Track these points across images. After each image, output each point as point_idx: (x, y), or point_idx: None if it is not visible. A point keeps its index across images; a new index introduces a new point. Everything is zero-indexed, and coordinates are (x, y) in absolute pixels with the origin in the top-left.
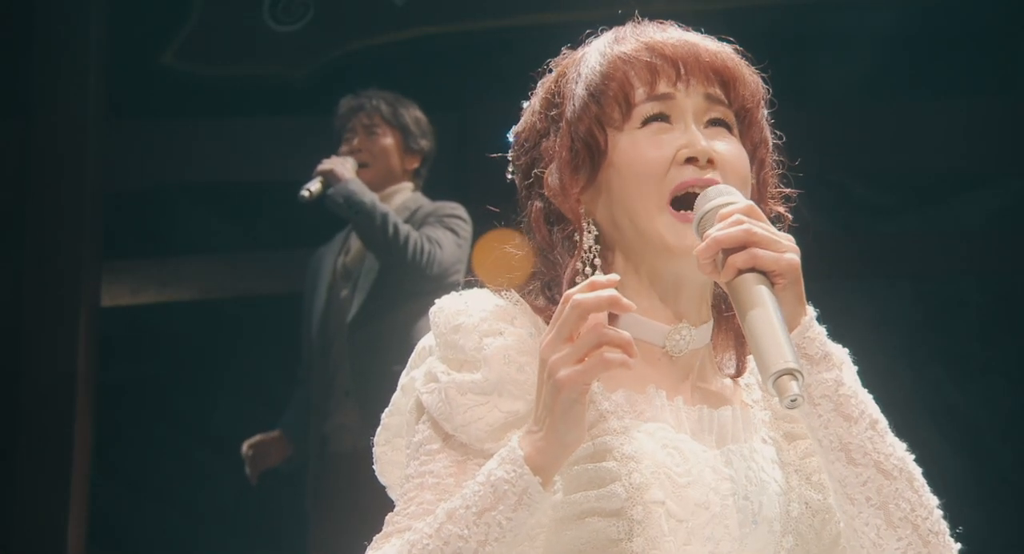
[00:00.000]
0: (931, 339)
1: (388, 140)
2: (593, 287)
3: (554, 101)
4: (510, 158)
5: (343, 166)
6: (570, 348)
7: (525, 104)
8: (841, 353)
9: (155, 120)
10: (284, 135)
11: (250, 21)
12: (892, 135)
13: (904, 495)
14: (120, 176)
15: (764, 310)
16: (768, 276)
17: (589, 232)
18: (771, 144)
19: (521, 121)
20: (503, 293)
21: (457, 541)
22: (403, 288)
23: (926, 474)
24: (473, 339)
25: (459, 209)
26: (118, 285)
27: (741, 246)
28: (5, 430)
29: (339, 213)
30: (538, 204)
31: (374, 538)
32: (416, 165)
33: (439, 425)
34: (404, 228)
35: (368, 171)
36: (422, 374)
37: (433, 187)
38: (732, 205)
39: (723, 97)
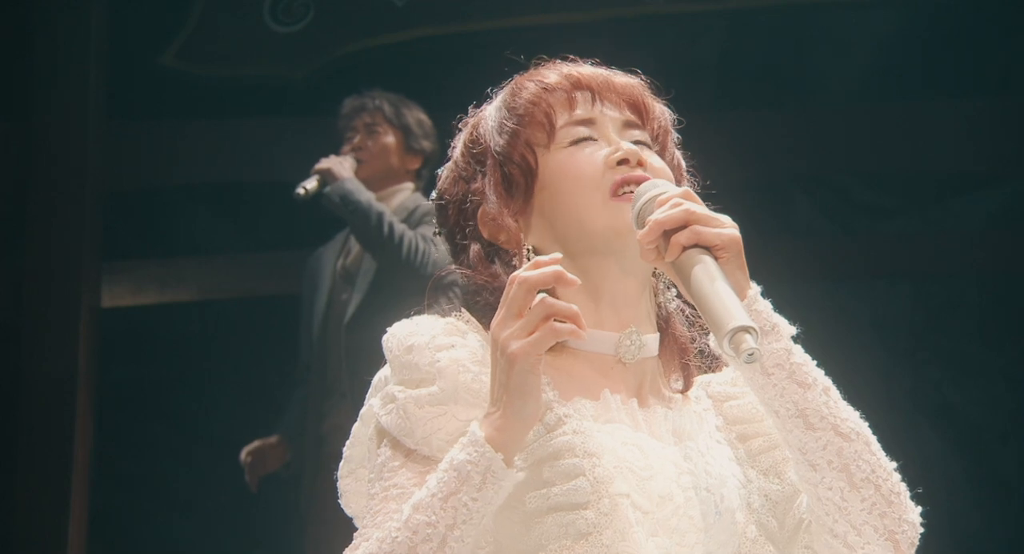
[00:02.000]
0: (931, 340)
1: (389, 139)
2: (537, 266)
3: (476, 143)
4: (436, 222)
5: (341, 165)
6: (520, 322)
7: (440, 171)
8: (787, 326)
9: (155, 121)
10: (285, 136)
11: (250, 22)
12: (893, 136)
13: (863, 457)
14: (120, 177)
15: (711, 278)
16: (711, 251)
17: (528, 259)
18: (684, 168)
19: (442, 179)
20: (454, 314)
21: (425, 528)
22: (400, 288)
23: (926, 475)
24: (426, 355)
25: None
26: (118, 286)
27: (682, 225)
28: (5, 431)
29: (335, 212)
30: (476, 247)
31: (344, 552)
32: (417, 166)
33: (400, 443)
34: (399, 228)
35: (365, 168)
36: (378, 399)
37: (432, 187)
38: (667, 192)
39: (637, 121)
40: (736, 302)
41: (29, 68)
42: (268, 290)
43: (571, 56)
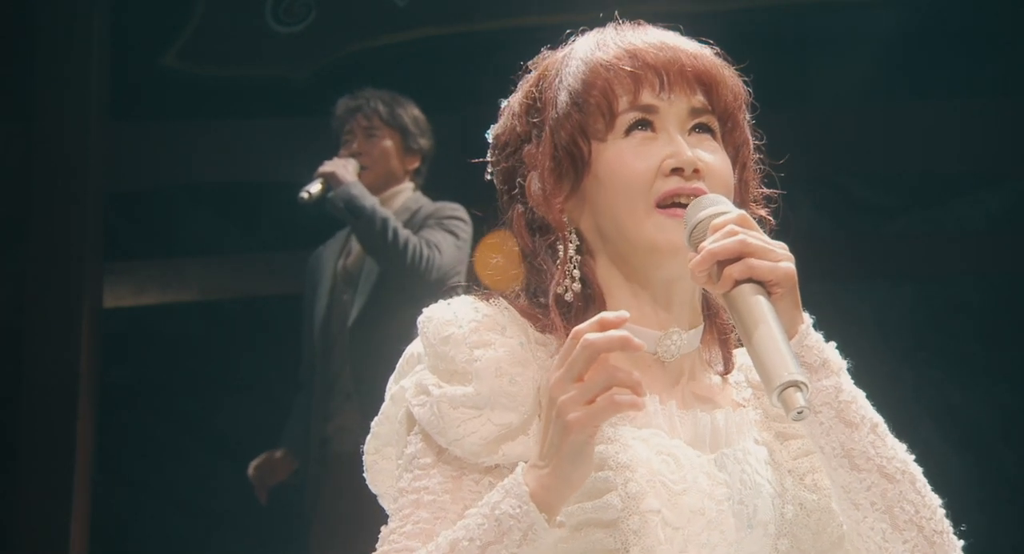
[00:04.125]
0: (933, 340)
1: (387, 142)
2: (603, 325)
3: (535, 106)
4: (489, 160)
5: (344, 169)
6: (579, 389)
7: (504, 102)
8: (838, 359)
9: (157, 121)
10: (286, 136)
11: (252, 22)
12: (894, 136)
13: (908, 497)
14: (122, 177)
15: (764, 322)
16: (764, 286)
17: (571, 242)
18: (752, 145)
19: (500, 122)
20: (491, 300)
21: None
22: (403, 291)
23: (928, 475)
24: (463, 351)
25: (459, 210)
26: (120, 286)
27: (736, 257)
28: (7, 431)
29: (339, 217)
30: (519, 208)
31: None
32: (416, 165)
33: (431, 439)
34: (404, 233)
35: (368, 174)
36: (412, 384)
37: (434, 188)
38: (724, 215)
39: (706, 104)
40: (787, 351)
41: (31, 69)
42: (269, 290)
43: (639, 21)
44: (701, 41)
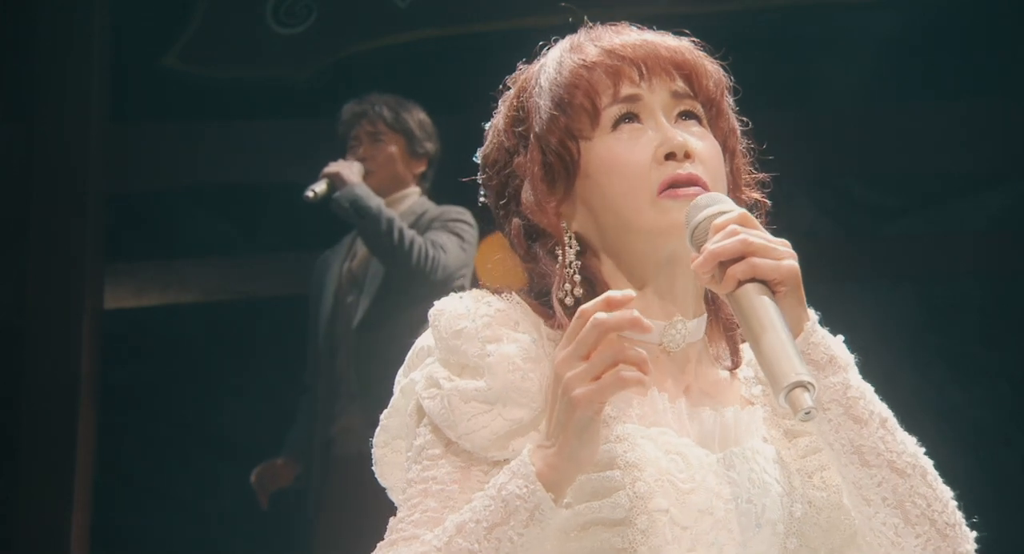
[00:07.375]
0: (934, 340)
1: (392, 148)
2: (609, 304)
3: (519, 117)
4: (480, 181)
5: (350, 170)
6: (586, 366)
7: (486, 125)
8: (845, 354)
9: (158, 122)
10: (287, 137)
11: (253, 23)
12: (895, 137)
13: (919, 491)
14: (123, 179)
15: (769, 322)
16: (768, 284)
17: (570, 246)
18: (739, 132)
19: (487, 142)
20: (504, 295)
21: None
22: (409, 292)
23: None
24: (476, 345)
25: (465, 213)
26: (121, 287)
27: (739, 257)
28: (8, 432)
29: (344, 217)
30: (516, 221)
31: (378, 545)
32: (422, 169)
33: (441, 431)
34: (409, 233)
35: (374, 179)
36: (422, 377)
37: (436, 190)
38: (725, 214)
39: (688, 91)
40: (793, 351)
41: (31, 70)
42: (270, 292)
43: (617, 23)
44: (679, 33)
